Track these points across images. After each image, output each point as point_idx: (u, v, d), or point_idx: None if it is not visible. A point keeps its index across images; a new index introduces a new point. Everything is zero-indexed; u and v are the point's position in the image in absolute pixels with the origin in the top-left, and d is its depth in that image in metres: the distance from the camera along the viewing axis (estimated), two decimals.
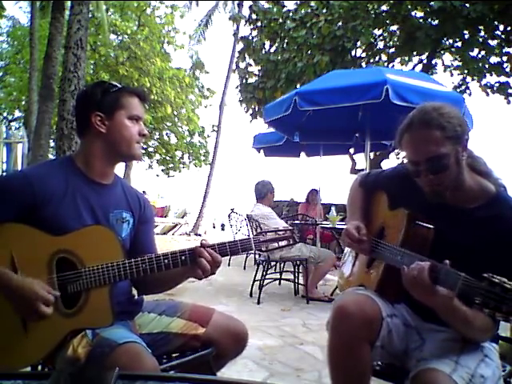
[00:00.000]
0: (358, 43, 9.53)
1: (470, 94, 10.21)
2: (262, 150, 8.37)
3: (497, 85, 9.72)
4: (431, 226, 1.43)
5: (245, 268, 6.87)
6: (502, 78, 9.56)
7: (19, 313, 1.34)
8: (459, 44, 9.34)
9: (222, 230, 17.53)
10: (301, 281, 5.15)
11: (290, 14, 9.89)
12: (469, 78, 10.12)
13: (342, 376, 1.42)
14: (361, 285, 1.60)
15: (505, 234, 1.34)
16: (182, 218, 17.30)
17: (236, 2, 19.50)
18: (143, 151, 18.49)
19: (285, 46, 9.97)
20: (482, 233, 1.37)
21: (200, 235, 15.25)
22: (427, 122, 1.36)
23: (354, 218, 1.69)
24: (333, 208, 5.78)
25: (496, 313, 1.07)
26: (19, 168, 8.27)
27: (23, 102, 17.18)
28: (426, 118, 1.37)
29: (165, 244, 10.00)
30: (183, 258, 1.42)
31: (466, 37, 8.83)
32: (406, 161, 1.47)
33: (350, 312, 1.37)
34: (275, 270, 5.54)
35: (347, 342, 1.36)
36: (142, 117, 1.56)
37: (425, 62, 10.14)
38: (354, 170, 10.30)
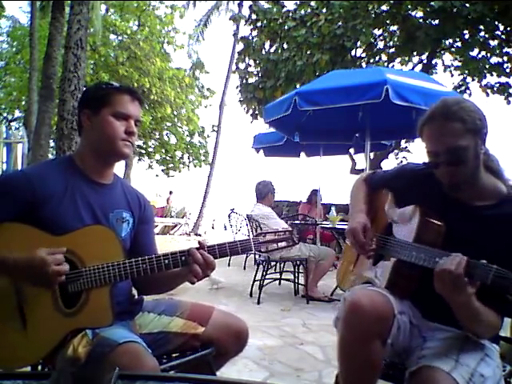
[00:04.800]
0: (358, 43, 9.54)
1: (470, 95, 10.21)
2: (261, 150, 8.38)
3: (497, 85, 9.73)
4: (441, 223, 1.43)
5: (245, 268, 6.87)
6: (503, 79, 9.57)
7: (37, 284, 1.34)
8: (459, 44, 9.34)
9: (212, 228, 17.58)
10: (301, 281, 5.15)
11: (290, 14, 9.89)
12: (469, 79, 10.12)
13: (353, 371, 1.41)
14: (366, 282, 1.59)
15: None
16: (182, 217, 17.33)
17: (236, 2, 19.52)
18: (143, 151, 18.50)
19: (285, 45, 9.97)
20: (491, 231, 1.38)
21: (200, 235, 15.26)
22: (448, 114, 1.38)
23: (357, 210, 1.67)
24: (333, 208, 5.78)
25: None
26: (19, 168, 8.26)
27: (23, 102, 17.18)
28: (448, 110, 1.39)
29: (165, 244, 10.01)
30: (183, 258, 1.41)
31: (467, 37, 8.83)
32: (425, 151, 1.48)
33: (363, 307, 1.36)
34: (275, 270, 5.54)
35: (360, 337, 1.35)
36: (132, 114, 1.50)
37: (425, 61, 10.14)
38: (354, 170, 10.30)
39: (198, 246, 1.43)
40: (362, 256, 1.70)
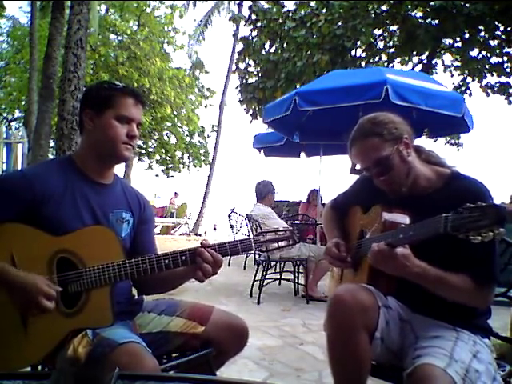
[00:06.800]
0: (358, 43, 9.54)
1: (470, 95, 10.23)
2: (262, 150, 8.37)
3: (497, 85, 9.73)
4: (405, 215, 1.50)
5: (245, 268, 6.87)
6: (503, 79, 9.58)
7: (20, 307, 1.34)
8: (459, 44, 9.34)
9: (214, 229, 17.61)
10: (301, 281, 5.15)
11: (290, 14, 9.89)
12: (469, 79, 10.13)
13: (341, 366, 1.43)
14: None
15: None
16: (183, 218, 17.38)
17: (236, 2, 19.53)
18: (143, 151, 18.51)
19: (284, 45, 9.97)
20: (447, 209, 1.40)
21: (200, 235, 15.28)
22: (364, 133, 1.56)
23: (332, 237, 1.78)
24: None
25: (481, 231, 1.16)
26: (19, 168, 8.26)
27: (23, 102, 17.18)
28: (363, 130, 1.57)
29: (165, 244, 10.01)
30: (183, 258, 1.42)
31: (467, 36, 8.83)
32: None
33: (345, 300, 1.40)
34: (275, 270, 5.54)
35: (344, 330, 1.39)
36: (135, 118, 1.50)
37: (425, 61, 10.14)
38: (353, 170, 10.24)
39: (199, 245, 1.44)
40: (345, 272, 1.79)
